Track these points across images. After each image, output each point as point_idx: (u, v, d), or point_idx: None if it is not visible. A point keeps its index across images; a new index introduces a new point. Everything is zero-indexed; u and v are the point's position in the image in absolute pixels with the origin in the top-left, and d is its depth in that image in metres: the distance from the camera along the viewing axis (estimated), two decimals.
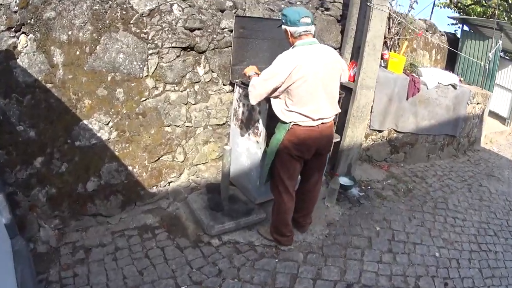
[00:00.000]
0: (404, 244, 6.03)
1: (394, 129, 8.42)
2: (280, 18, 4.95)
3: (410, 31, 9.19)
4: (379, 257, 5.61)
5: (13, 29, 4.75)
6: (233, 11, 6.21)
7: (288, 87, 4.42)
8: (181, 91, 6.18)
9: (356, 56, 7.05)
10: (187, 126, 6.37)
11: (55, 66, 4.99)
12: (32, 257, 4.88)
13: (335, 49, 7.22)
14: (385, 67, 8.24)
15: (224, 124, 6.65)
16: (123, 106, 5.70)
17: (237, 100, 6.30)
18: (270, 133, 5.30)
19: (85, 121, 5.45)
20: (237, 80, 6.28)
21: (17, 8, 4.63)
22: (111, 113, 5.61)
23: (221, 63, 6.35)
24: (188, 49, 6.10)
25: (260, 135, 5.81)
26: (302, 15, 4.51)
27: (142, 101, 5.90)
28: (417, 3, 8.56)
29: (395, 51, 8.65)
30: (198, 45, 6.06)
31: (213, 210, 5.93)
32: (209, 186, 6.49)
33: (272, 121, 5.17)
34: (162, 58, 5.95)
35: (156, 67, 5.93)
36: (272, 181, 5.18)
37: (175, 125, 6.26)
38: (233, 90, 6.43)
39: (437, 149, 9.70)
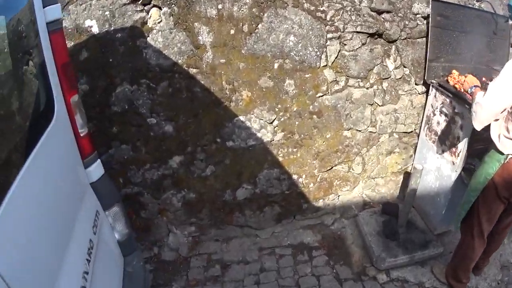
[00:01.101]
0: None
1: None
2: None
3: None
4: None
5: (139, 2, 3.35)
6: None
7: None
8: (367, 88, 4.21)
9: None
10: (370, 132, 4.46)
11: (200, 47, 3.53)
12: (153, 266, 3.82)
13: None
14: None
15: (411, 132, 4.71)
16: (293, 102, 3.92)
17: (432, 106, 4.34)
18: (470, 153, 3.82)
19: (241, 117, 3.82)
20: (433, 81, 4.25)
21: None
22: (277, 109, 3.88)
23: (414, 57, 4.34)
24: (376, 36, 4.12)
25: (458, 156, 3.90)
26: None
27: (318, 97, 4.01)
28: None
29: None
30: (387, 32, 4.08)
31: (387, 238, 4.22)
32: (385, 205, 4.61)
33: (477, 141, 3.70)
34: (345, 45, 3.97)
35: (337, 55, 3.95)
36: (465, 220, 3.52)
37: (356, 130, 4.35)
38: (426, 92, 4.43)
39: None
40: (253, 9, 3.50)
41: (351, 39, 3.86)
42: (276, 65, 3.67)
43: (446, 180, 4.04)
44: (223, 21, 3.44)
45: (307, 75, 3.78)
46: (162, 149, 3.69)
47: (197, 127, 3.67)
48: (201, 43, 3.45)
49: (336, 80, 3.93)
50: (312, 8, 3.67)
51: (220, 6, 3.41)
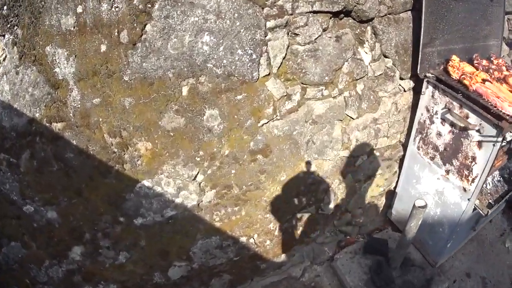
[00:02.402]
0: None
1: None
2: None
3: None
4: None
5: None
6: None
7: None
8: (334, 98, 2.10)
9: None
10: (343, 157, 2.35)
11: (61, 85, 1.67)
12: None
13: None
14: None
15: (396, 143, 2.64)
16: (223, 143, 1.86)
17: (427, 110, 2.27)
18: None
19: (145, 182, 1.82)
20: (429, 74, 2.16)
21: None
22: (198, 158, 1.85)
23: (398, 42, 2.19)
24: (342, 16, 1.97)
25: (472, 182, 2.11)
26: None
27: (262, 126, 1.92)
28: None
29: None
30: (359, 6, 1.93)
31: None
32: (369, 243, 2.64)
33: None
34: (296, 35, 1.83)
35: (286, 54, 1.83)
36: None
37: (323, 159, 2.24)
38: (414, 87, 2.39)
39: None
40: (134, 1, 1.62)
41: (306, 24, 1.94)
42: (185, 90, 1.78)
43: (453, 209, 2.40)
44: (87, 33, 1.64)
45: (239, 96, 1.89)
46: (54, 242, 2.06)
47: (86, 207, 1.94)
48: (60, 77, 1.70)
49: (287, 94, 2.04)
50: None
51: (80, 9, 1.62)
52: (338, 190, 2.58)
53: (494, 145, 2.03)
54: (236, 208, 2.17)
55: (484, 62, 2.45)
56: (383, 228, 3.15)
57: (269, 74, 1.91)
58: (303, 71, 2.01)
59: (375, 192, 2.92)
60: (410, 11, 2.32)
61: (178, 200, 1.99)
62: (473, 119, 2.09)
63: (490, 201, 2.39)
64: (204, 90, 1.79)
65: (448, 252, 2.77)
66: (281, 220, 2.43)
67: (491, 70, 2.36)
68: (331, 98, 2.18)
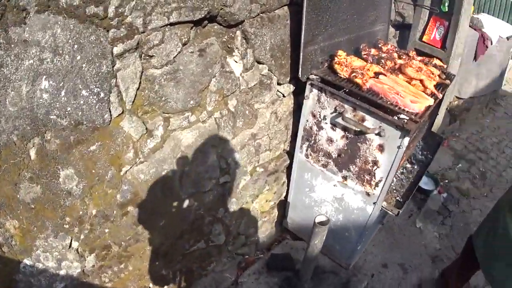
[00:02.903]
0: None
1: (456, 96, 5.02)
2: None
3: None
4: None
5: None
6: None
7: None
8: (203, 122, 2.09)
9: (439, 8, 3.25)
10: (223, 183, 2.41)
11: None
12: None
13: None
14: None
15: (280, 153, 2.79)
16: (87, 203, 1.77)
17: (313, 115, 2.38)
18: None
19: (26, 261, 1.76)
20: (313, 76, 2.24)
21: None
22: (66, 226, 1.77)
23: (274, 44, 2.18)
24: (205, 23, 1.88)
25: (376, 186, 2.33)
26: None
27: (124, 174, 1.85)
28: None
29: None
30: (226, 10, 1.85)
31: None
32: (271, 260, 2.80)
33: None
34: (151, 57, 1.72)
35: (140, 84, 1.72)
36: None
37: (202, 191, 2.28)
38: (294, 91, 2.51)
39: (483, 108, 6.13)
40: None
41: (162, 42, 1.76)
42: (32, 153, 1.57)
43: (357, 214, 2.56)
44: None
45: (93, 147, 1.71)
46: None
47: None
48: None
49: (148, 131, 1.89)
50: (76, 2, 1.46)
51: None
52: (226, 218, 2.60)
53: (399, 147, 2.03)
54: (122, 265, 2.11)
55: (373, 51, 2.42)
56: (282, 239, 3.25)
57: (123, 112, 1.76)
58: (163, 99, 1.87)
59: (265, 208, 3.00)
60: (286, 6, 2.19)
61: (62, 272, 1.91)
62: (370, 122, 2.07)
63: (398, 198, 2.49)
64: (52, 149, 1.63)
65: (359, 252, 2.92)
66: (172, 263, 2.40)
67: (382, 60, 2.33)
68: (200, 124, 2.08)
